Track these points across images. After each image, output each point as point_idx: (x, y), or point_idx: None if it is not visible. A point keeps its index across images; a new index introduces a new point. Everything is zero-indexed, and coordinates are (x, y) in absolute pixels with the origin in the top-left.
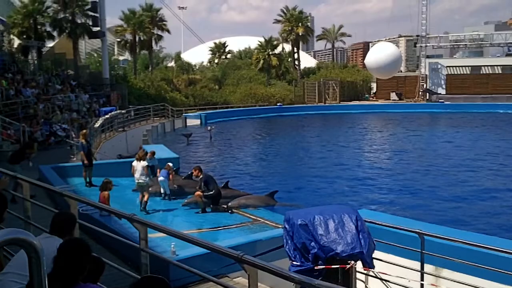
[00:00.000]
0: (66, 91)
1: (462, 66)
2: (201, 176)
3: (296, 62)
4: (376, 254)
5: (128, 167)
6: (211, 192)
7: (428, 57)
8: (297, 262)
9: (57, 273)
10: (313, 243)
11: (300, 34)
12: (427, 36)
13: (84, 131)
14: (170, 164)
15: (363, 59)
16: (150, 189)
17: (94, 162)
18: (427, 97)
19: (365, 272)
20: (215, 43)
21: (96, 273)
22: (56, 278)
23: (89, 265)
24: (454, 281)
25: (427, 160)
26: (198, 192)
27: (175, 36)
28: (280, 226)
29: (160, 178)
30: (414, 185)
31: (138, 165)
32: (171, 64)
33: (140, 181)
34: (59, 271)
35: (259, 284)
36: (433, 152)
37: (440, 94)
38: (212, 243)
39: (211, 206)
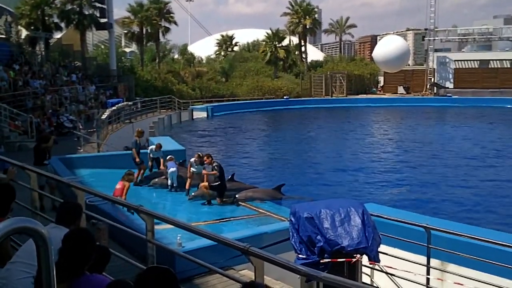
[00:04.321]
0: (73, 83)
1: (470, 60)
2: (215, 164)
3: (303, 55)
4: (382, 248)
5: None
6: (218, 183)
7: (436, 50)
8: (303, 255)
9: (63, 263)
10: (319, 237)
11: (308, 26)
12: (436, 29)
13: (140, 129)
14: (172, 156)
15: (371, 52)
16: (156, 180)
17: (101, 154)
18: (435, 91)
19: (371, 266)
20: (222, 36)
21: (102, 263)
22: (62, 268)
23: (94, 254)
24: (460, 276)
25: (434, 154)
26: (204, 183)
27: (182, 28)
28: (286, 219)
29: (171, 170)
30: (421, 179)
31: None
32: (177, 56)
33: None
34: (64, 261)
35: (265, 276)
36: (441, 146)
37: (448, 88)
38: (219, 235)
39: (217, 198)
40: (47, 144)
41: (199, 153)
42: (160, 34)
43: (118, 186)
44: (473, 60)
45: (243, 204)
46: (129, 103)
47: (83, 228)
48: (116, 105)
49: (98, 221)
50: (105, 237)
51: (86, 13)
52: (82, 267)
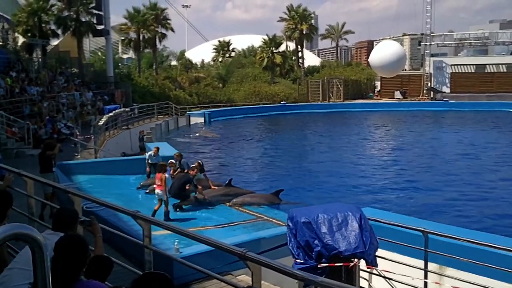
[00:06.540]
0: (70, 89)
1: (466, 65)
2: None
3: (300, 61)
4: (380, 252)
5: (132, 165)
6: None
7: (432, 55)
8: (300, 260)
9: (56, 270)
10: (316, 241)
11: (304, 32)
12: (432, 34)
13: (178, 152)
14: (173, 160)
15: (367, 57)
16: (154, 186)
17: (99, 160)
18: (432, 96)
19: (368, 270)
20: (219, 41)
21: (104, 273)
22: (56, 275)
23: (87, 259)
24: (458, 280)
25: (431, 158)
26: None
27: (179, 34)
28: (284, 224)
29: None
30: (418, 184)
31: None
32: (175, 62)
33: None
34: (57, 268)
35: (262, 281)
36: (438, 151)
37: (444, 92)
38: (216, 240)
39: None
40: (53, 152)
41: (199, 161)
42: (157, 40)
43: (158, 182)
44: (470, 65)
45: (240, 209)
46: (126, 109)
47: (75, 234)
48: (113, 111)
49: (85, 219)
50: (98, 230)
51: (83, 19)
52: (77, 272)
